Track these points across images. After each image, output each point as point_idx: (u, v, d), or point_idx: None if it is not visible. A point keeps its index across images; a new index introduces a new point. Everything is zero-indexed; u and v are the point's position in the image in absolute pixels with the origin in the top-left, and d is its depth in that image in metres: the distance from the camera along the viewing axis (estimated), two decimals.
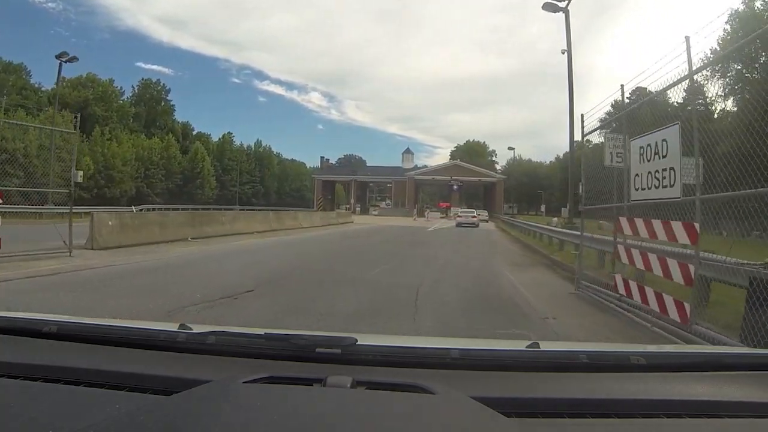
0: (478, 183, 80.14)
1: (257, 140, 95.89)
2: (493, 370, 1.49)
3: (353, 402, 1.16)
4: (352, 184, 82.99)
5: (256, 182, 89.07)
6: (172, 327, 1.70)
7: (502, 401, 1.21)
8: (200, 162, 76.50)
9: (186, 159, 75.25)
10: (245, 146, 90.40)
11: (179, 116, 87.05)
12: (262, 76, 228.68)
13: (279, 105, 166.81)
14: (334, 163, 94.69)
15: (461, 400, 1.16)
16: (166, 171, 71.67)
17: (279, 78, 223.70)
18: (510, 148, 61.38)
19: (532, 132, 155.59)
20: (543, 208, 58.29)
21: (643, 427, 1.21)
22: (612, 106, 10.61)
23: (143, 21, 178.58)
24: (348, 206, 78.25)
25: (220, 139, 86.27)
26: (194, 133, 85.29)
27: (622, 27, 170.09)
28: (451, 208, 69.25)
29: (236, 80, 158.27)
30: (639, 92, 9.68)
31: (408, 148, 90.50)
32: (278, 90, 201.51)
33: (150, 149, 70.09)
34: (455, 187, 72.81)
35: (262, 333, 1.56)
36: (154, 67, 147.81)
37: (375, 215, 66.82)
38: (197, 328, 1.68)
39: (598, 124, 9.65)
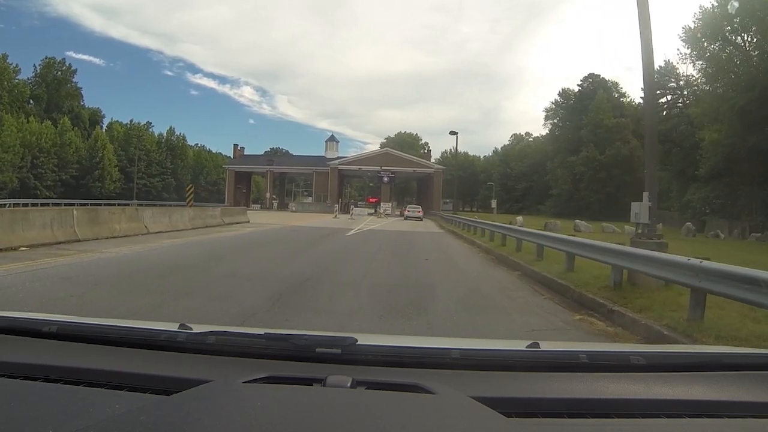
0: (412, 174, 70.66)
1: (170, 127, 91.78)
2: (493, 370, 1.51)
3: (353, 402, 1.19)
4: (269, 176, 76.12)
5: (167, 174, 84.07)
6: (172, 327, 1.70)
7: (502, 401, 1.24)
8: (100, 150, 71.15)
9: (85, 147, 70.12)
10: (156, 134, 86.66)
11: (108, 109, 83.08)
12: (194, 69, 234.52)
13: (211, 98, 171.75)
14: (260, 154, 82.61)
15: (461, 400, 1.20)
16: (59, 160, 66.32)
17: (212, 71, 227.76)
18: (452, 133, 50.93)
19: (462, 129, 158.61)
20: (494, 203, 48.66)
21: (643, 427, 1.24)
22: None
23: (75, 8, 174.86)
24: (262, 201, 74.47)
25: (126, 124, 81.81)
26: (110, 121, 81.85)
27: (552, 31, 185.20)
28: (381, 203, 58.40)
29: (169, 72, 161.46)
30: None
31: (332, 135, 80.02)
32: (210, 83, 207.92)
33: (39, 134, 64.14)
34: (385, 178, 63.49)
35: (262, 333, 1.58)
36: (85, 56, 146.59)
37: (293, 212, 58.09)
38: (197, 328, 1.68)
39: None
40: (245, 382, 1.26)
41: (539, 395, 1.34)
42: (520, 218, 34.40)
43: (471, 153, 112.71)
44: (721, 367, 1.59)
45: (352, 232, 25.63)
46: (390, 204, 61.93)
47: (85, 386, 1.30)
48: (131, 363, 1.43)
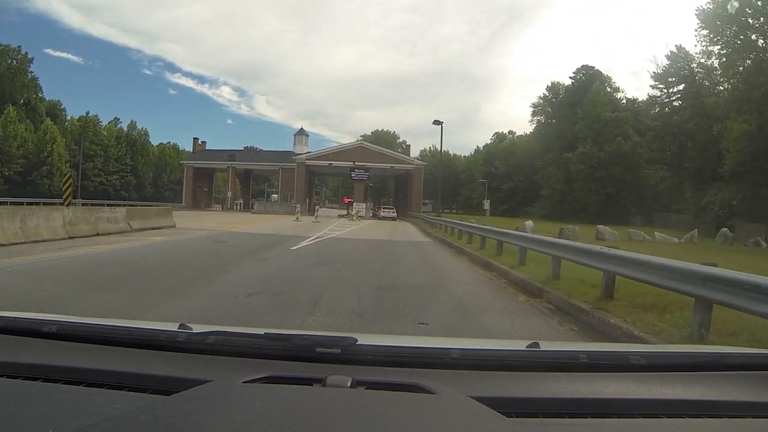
0: (390, 172, 63.76)
1: (131, 121, 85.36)
2: (493, 370, 1.52)
3: (353, 402, 1.20)
4: (230, 172, 70.86)
5: (126, 171, 78.57)
6: (172, 327, 1.72)
7: (502, 401, 1.26)
8: (49, 144, 65.44)
9: (31, 140, 64.55)
10: (116, 128, 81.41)
11: (85, 108, 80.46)
12: (173, 68, 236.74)
13: (189, 98, 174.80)
14: (222, 149, 75.20)
15: (461, 400, 1.21)
16: (2, 155, 61.48)
17: (191, 71, 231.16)
18: (436, 122, 43.19)
19: (439, 130, 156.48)
20: (486, 204, 40.84)
21: (643, 427, 1.26)
22: None
23: (54, 4, 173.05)
24: (223, 201, 69.65)
25: (81, 118, 75.48)
26: (69, 117, 76.30)
27: (533, 34, 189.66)
28: (354, 204, 52.12)
29: (147, 71, 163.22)
30: None
31: (302, 128, 71.73)
32: (189, 83, 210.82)
33: None
34: (358, 175, 55.16)
35: (262, 333, 1.59)
36: (63, 54, 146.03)
37: (253, 213, 53.71)
38: (197, 328, 1.70)
39: None
40: (245, 382, 1.27)
41: (539, 395, 1.35)
42: (528, 222, 27.42)
43: (450, 152, 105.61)
44: (721, 367, 1.59)
45: (305, 242, 19.30)
46: (364, 205, 55.10)
47: (85, 386, 1.31)
48: (131, 363, 1.44)
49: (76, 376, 1.35)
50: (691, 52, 51.56)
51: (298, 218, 38.15)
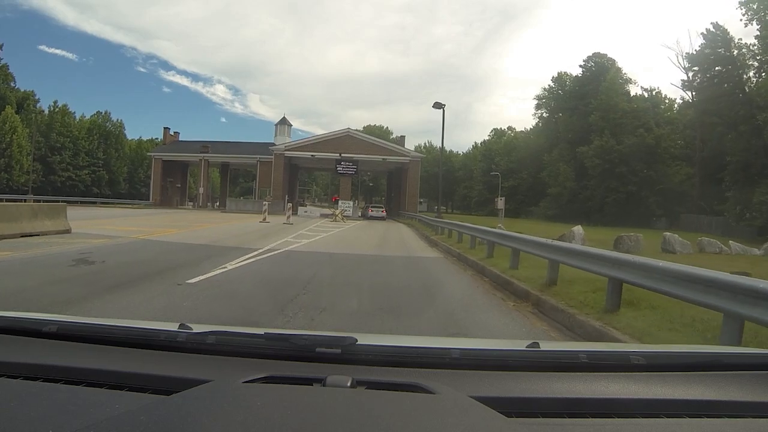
0: (382, 165, 56.81)
1: (105, 111, 79.81)
2: (494, 370, 1.54)
3: (353, 402, 1.22)
4: (202, 165, 64.96)
5: (98, 166, 73.86)
6: (172, 327, 1.73)
7: (502, 401, 1.28)
8: (8, 135, 61.15)
9: None
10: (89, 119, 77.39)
11: (78, 105, 79.72)
12: (167, 66, 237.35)
13: (184, 96, 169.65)
14: (195, 141, 68.62)
15: (461, 400, 1.23)
16: None
17: (185, 69, 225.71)
18: (437, 105, 35.87)
19: (432, 130, 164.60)
20: (500, 203, 33.71)
21: (643, 427, 1.26)
22: None
23: (48, 1, 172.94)
24: (195, 198, 66.04)
25: (49, 108, 71.80)
26: (41, 108, 72.22)
27: (526, 35, 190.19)
28: (339, 202, 51.07)
29: (142, 69, 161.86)
30: None
31: (284, 117, 64.60)
32: (183, 81, 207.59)
33: None
34: (346, 169, 47.80)
35: (263, 333, 1.61)
36: (58, 51, 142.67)
37: (223, 212, 49.35)
38: (197, 328, 1.70)
39: None
40: (245, 382, 1.29)
41: (539, 395, 1.36)
42: (576, 228, 20.25)
43: (446, 149, 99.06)
44: (721, 367, 1.60)
45: (238, 261, 11.61)
46: (351, 203, 47.97)
47: (85, 386, 1.33)
48: (131, 363, 1.45)
49: (76, 376, 1.36)
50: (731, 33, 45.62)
51: (265, 219, 31.73)
